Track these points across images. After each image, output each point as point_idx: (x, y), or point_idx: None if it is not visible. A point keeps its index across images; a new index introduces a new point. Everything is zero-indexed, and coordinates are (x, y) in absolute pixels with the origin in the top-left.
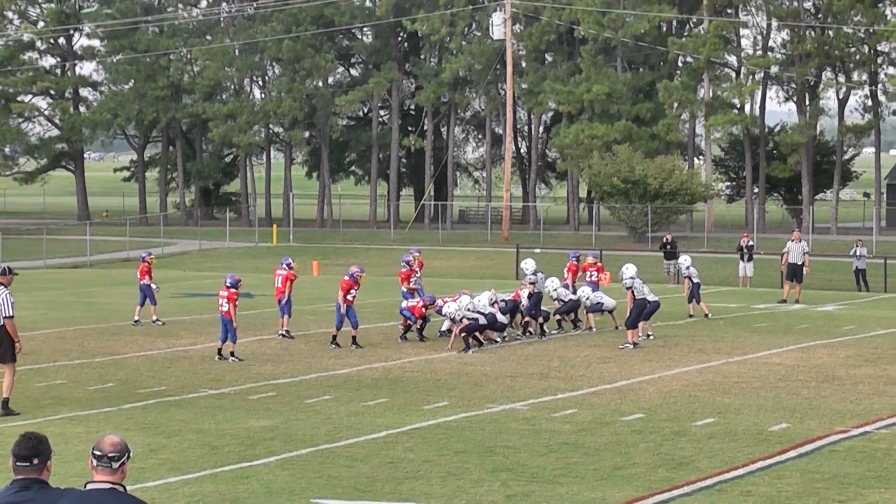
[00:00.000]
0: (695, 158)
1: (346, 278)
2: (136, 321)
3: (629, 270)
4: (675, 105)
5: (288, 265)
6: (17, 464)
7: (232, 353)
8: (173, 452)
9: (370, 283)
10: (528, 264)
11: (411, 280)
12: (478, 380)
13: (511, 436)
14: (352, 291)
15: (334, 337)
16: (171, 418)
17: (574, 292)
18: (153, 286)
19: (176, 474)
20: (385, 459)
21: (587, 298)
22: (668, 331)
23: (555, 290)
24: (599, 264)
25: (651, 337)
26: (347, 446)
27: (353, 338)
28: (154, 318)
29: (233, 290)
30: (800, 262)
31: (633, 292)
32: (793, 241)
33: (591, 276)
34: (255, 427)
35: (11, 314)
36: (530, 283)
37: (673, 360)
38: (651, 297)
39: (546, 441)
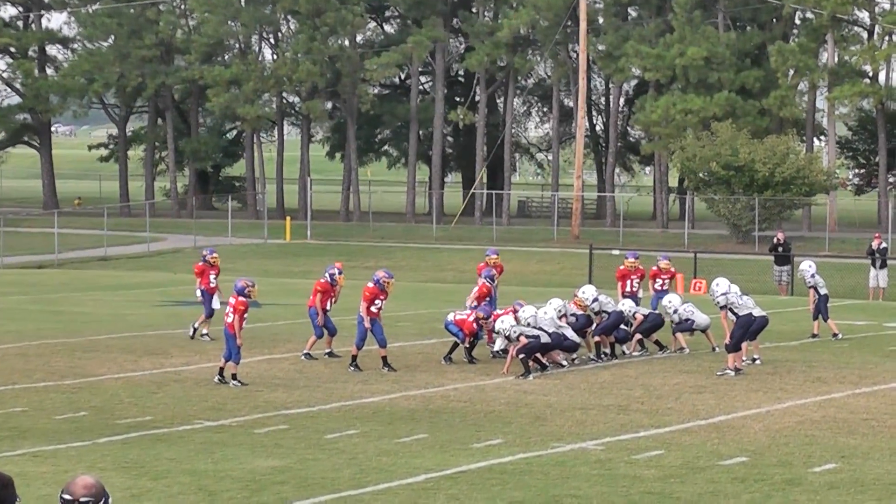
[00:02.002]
0: (815, 139)
1: (371, 285)
2: (203, 333)
3: (720, 287)
4: (791, 73)
5: (332, 276)
6: None
7: (234, 376)
8: (160, 499)
9: (406, 291)
10: (587, 292)
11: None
12: (540, 412)
13: (581, 482)
14: (377, 301)
15: (354, 357)
16: (157, 456)
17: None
18: (208, 294)
19: None
20: None
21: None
22: (779, 354)
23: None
24: (673, 269)
25: (758, 361)
26: (377, 493)
27: (383, 358)
28: (198, 328)
29: (241, 299)
30: None
31: (730, 311)
32: None
33: (659, 283)
34: (261, 468)
35: None
36: (596, 314)
37: (785, 390)
38: (757, 312)
39: (625, 489)
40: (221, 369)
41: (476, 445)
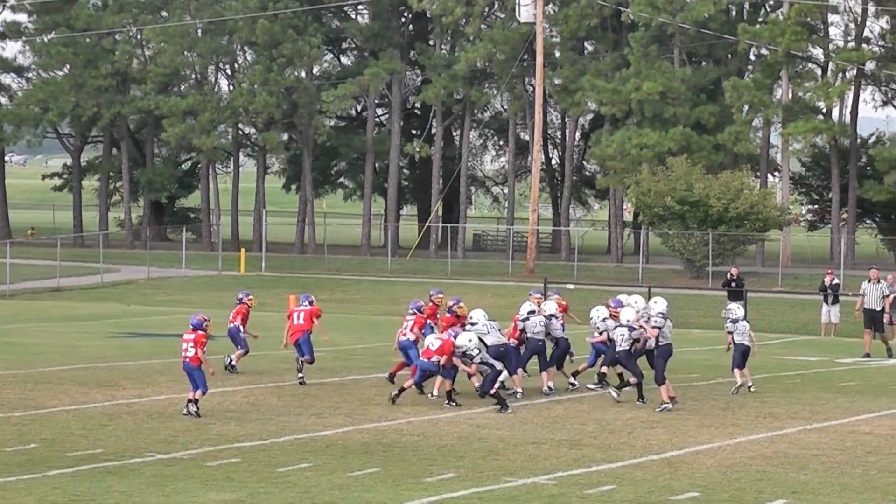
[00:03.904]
0: (769, 175)
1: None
2: (231, 365)
3: (659, 305)
4: (746, 109)
5: (310, 302)
6: None
7: (195, 402)
8: None
9: (360, 324)
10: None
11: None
12: (493, 446)
13: None
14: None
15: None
16: (108, 489)
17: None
18: (247, 334)
19: None
20: None
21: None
22: (731, 389)
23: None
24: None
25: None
26: None
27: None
28: (234, 361)
29: (200, 332)
30: (878, 308)
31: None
32: (870, 281)
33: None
34: (213, 501)
35: None
36: (600, 333)
37: (737, 426)
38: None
39: None
40: (194, 401)
41: (429, 479)
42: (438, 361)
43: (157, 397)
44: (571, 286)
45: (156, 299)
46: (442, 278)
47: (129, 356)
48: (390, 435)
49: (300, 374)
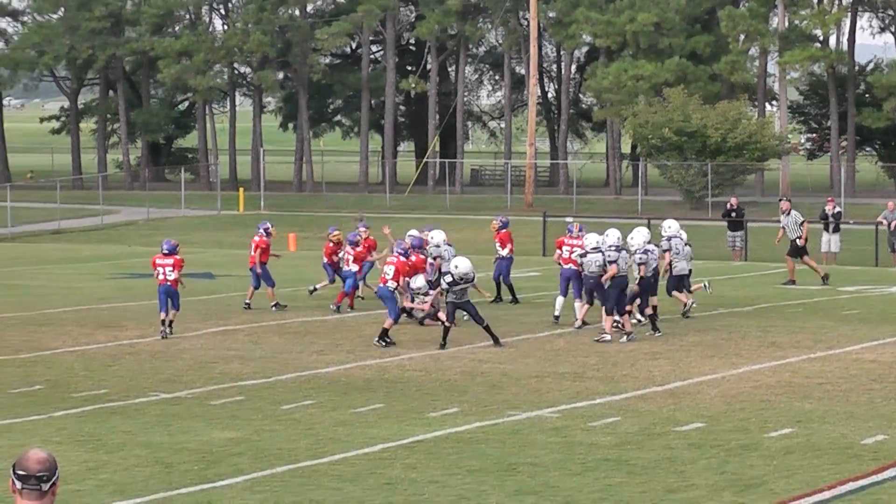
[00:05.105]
0: (766, 104)
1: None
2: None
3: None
4: (742, 38)
5: (266, 230)
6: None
7: (171, 323)
8: (116, 471)
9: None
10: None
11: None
12: (496, 381)
13: (538, 450)
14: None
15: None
16: (113, 429)
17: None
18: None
19: (120, 498)
20: (380, 480)
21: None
22: (733, 319)
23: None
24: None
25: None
26: (333, 463)
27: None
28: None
29: (178, 257)
30: (793, 237)
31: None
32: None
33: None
34: (218, 440)
35: None
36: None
37: (740, 356)
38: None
39: (581, 457)
40: (169, 322)
41: (432, 415)
42: (395, 287)
43: (159, 337)
44: (571, 219)
45: (155, 240)
46: (440, 214)
47: (130, 297)
48: (392, 371)
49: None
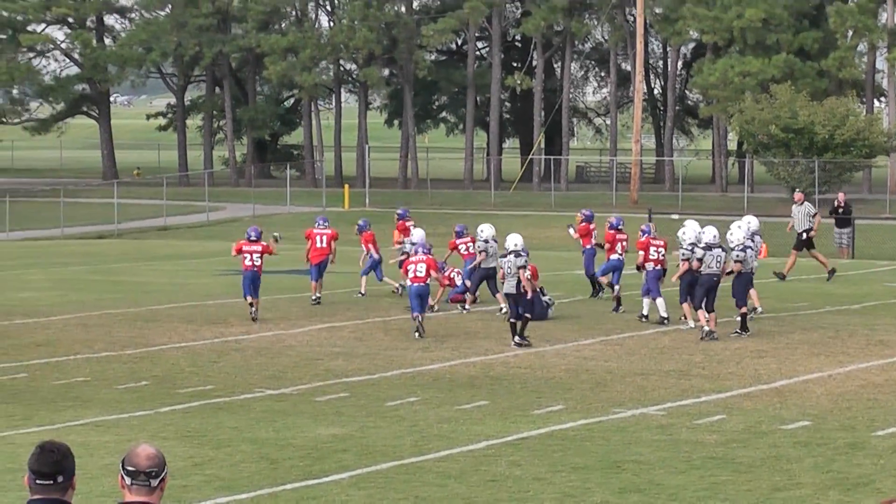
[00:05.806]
0: (875, 101)
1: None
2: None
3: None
4: (850, 34)
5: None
6: (37, 481)
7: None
8: (222, 467)
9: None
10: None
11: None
12: (601, 378)
13: (643, 448)
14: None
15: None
16: (219, 425)
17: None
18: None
19: (226, 494)
20: (485, 477)
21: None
22: (840, 317)
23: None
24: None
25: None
26: (438, 460)
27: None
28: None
29: (265, 244)
30: (800, 230)
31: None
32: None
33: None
34: (323, 436)
35: None
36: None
37: (847, 354)
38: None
39: (687, 455)
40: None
41: (537, 412)
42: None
43: (265, 334)
44: (676, 216)
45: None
46: (546, 210)
47: (236, 293)
48: (497, 368)
49: (314, 298)
